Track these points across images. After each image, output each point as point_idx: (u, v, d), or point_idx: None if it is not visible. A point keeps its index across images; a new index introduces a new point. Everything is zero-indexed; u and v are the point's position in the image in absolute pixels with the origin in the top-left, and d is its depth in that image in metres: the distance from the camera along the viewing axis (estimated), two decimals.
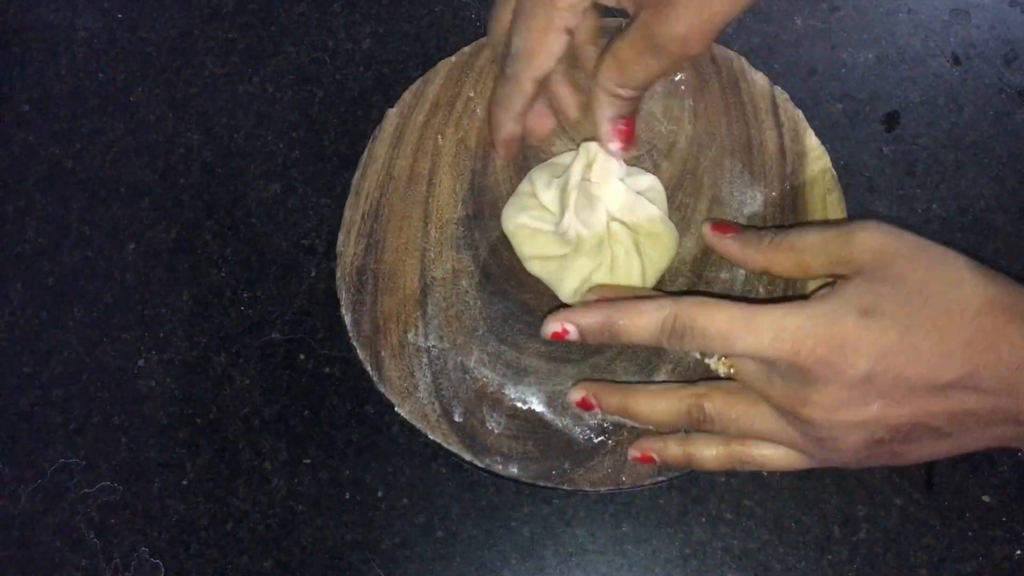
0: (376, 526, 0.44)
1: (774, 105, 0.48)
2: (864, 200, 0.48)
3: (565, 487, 0.43)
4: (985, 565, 0.43)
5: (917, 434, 0.35)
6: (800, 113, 0.48)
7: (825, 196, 0.46)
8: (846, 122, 0.50)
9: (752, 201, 0.46)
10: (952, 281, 0.35)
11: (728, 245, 0.41)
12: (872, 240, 0.36)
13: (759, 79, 0.48)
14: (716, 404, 0.39)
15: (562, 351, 0.44)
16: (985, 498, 0.44)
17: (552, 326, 0.39)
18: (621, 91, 0.39)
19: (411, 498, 0.45)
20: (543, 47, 0.37)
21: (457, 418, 0.43)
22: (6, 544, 0.45)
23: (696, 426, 0.39)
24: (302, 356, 0.47)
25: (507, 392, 0.44)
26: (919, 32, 0.52)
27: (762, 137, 0.47)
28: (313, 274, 0.48)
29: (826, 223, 0.41)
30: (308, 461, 0.45)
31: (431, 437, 0.43)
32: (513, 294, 0.45)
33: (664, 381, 0.43)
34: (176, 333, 0.48)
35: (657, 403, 0.40)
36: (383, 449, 0.45)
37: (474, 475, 0.45)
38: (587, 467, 0.43)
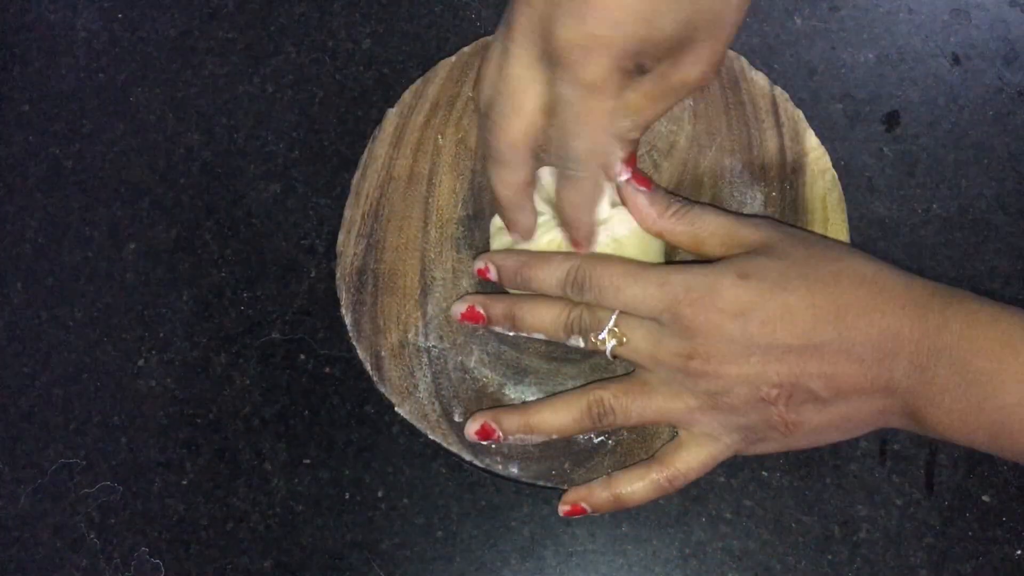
0: (376, 526, 0.44)
1: (774, 105, 0.48)
2: (864, 200, 0.48)
3: (565, 487, 0.43)
4: (985, 565, 0.43)
5: (799, 397, 0.37)
6: (800, 113, 0.47)
7: (825, 196, 0.46)
8: (846, 122, 0.50)
9: (752, 201, 0.46)
10: (830, 258, 0.38)
11: (638, 200, 0.42)
12: (760, 230, 0.40)
13: (759, 79, 0.48)
14: (612, 391, 0.40)
15: (562, 351, 0.44)
16: (985, 498, 0.44)
17: (478, 263, 0.43)
18: (631, 134, 0.40)
19: (411, 498, 0.45)
20: (607, 145, 0.39)
21: (457, 418, 0.43)
22: (6, 544, 0.45)
23: (598, 421, 0.40)
24: (302, 356, 0.47)
25: (507, 392, 0.44)
26: (919, 32, 0.52)
27: (762, 137, 0.47)
28: (313, 274, 0.48)
29: (725, 211, 0.43)
30: (308, 461, 0.45)
31: (431, 437, 0.43)
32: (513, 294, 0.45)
33: None
34: (176, 333, 0.48)
35: (557, 410, 0.41)
36: (383, 449, 0.45)
37: (474, 475, 0.45)
38: (587, 467, 0.43)
